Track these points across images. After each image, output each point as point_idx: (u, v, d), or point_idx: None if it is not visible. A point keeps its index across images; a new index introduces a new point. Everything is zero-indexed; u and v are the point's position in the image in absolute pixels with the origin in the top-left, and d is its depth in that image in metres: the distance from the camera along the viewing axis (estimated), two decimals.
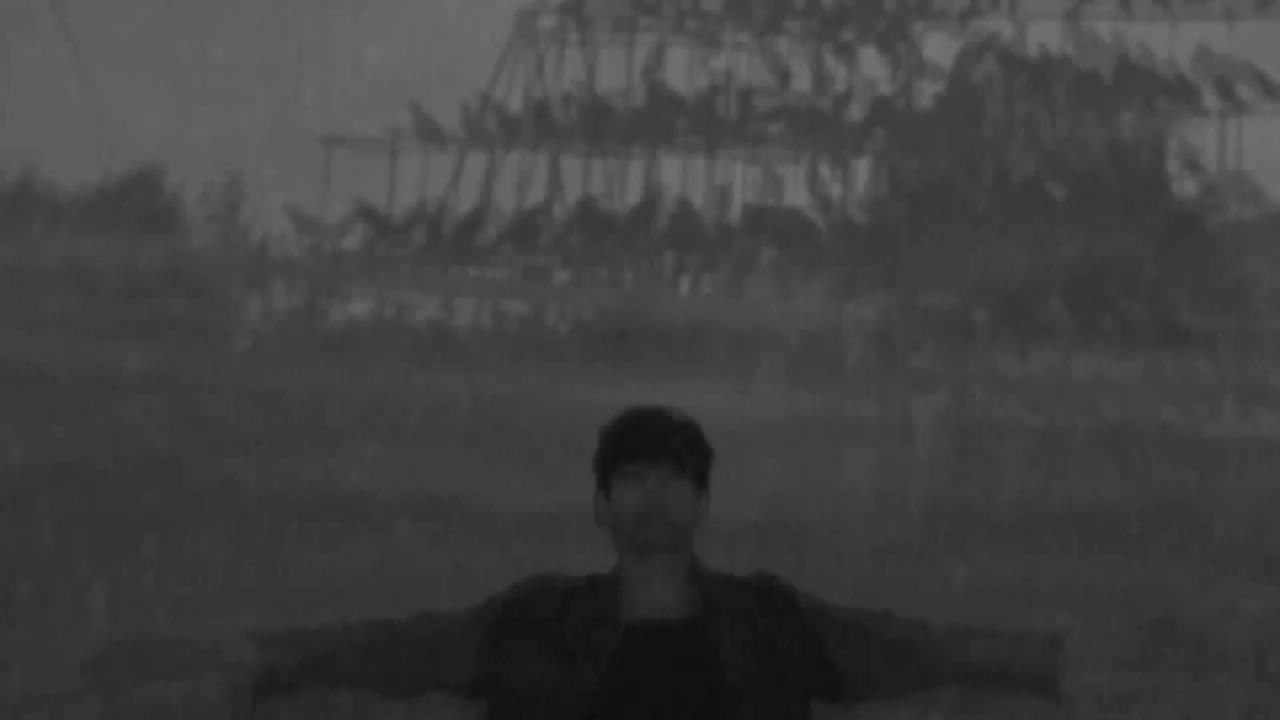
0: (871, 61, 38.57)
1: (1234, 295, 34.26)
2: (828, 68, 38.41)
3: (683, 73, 39.34)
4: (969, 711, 13.09)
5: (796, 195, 38.78)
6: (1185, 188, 36.74)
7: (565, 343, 36.11)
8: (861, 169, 38.77)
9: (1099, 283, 33.69)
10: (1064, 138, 36.76)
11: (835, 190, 38.37)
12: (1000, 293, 33.67)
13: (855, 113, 38.27)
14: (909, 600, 18.46)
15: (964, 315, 33.57)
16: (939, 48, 38.04)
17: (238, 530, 17.99)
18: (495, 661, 3.97)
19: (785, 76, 38.47)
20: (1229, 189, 36.53)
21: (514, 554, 17.91)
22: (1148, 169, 36.45)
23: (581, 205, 38.75)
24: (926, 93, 38.15)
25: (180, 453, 22.36)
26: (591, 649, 3.93)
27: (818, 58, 38.43)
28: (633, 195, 39.30)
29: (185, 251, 41.39)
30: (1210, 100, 36.75)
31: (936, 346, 33.21)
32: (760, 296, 37.58)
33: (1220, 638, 17.27)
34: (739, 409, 27.56)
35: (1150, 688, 14.67)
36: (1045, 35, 37.79)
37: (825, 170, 38.55)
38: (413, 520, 20.59)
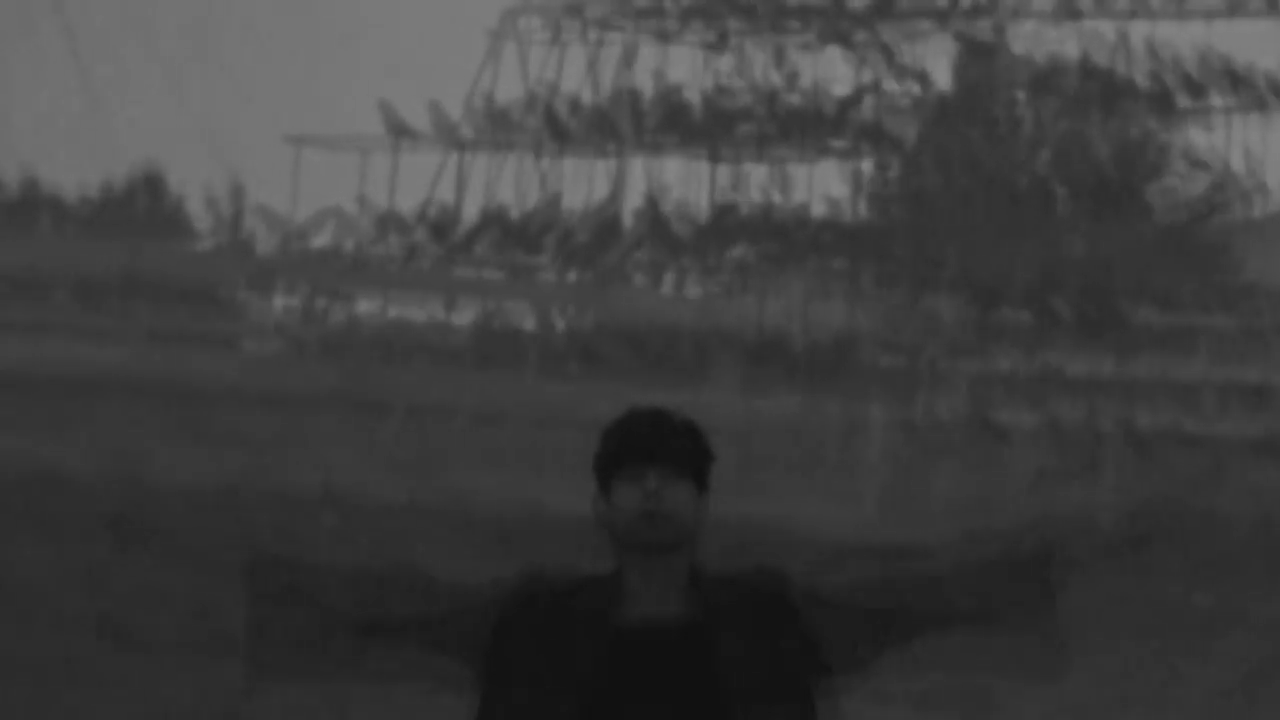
0: (836, 61, 38.42)
1: (1238, 295, 34.20)
2: (794, 65, 38.26)
3: (649, 71, 39.25)
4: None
5: (763, 193, 38.67)
6: (1190, 187, 36.67)
7: (543, 344, 36.02)
8: (827, 169, 38.69)
9: (1104, 283, 33.63)
10: (1068, 138, 36.67)
11: (800, 189, 38.28)
12: (1003, 293, 33.59)
13: (822, 111, 38.07)
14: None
15: (933, 314, 33.51)
16: (923, 49, 37.91)
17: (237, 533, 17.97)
18: (493, 659, 3.96)
19: (754, 75, 38.32)
20: (1238, 188, 36.46)
21: (515, 556, 17.92)
22: (1151, 169, 36.39)
23: (550, 205, 38.65)
24: (897, 93, 38.00)
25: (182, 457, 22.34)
26: (587, 650, 3.91)
27: (783, 56, 38.26)
28: (598, 194, 39.19)
29: (190, 254, 41.25)
30: (1223, 98, 36.64)
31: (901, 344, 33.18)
32: (731, 297, 37.47)
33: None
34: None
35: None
36: (1049, 35, 37.63)
37: (794, 170, 38.48)
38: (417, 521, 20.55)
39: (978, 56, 37.10)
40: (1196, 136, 37.11)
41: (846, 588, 4.09)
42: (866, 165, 38.88)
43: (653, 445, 3.97)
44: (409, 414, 29.11)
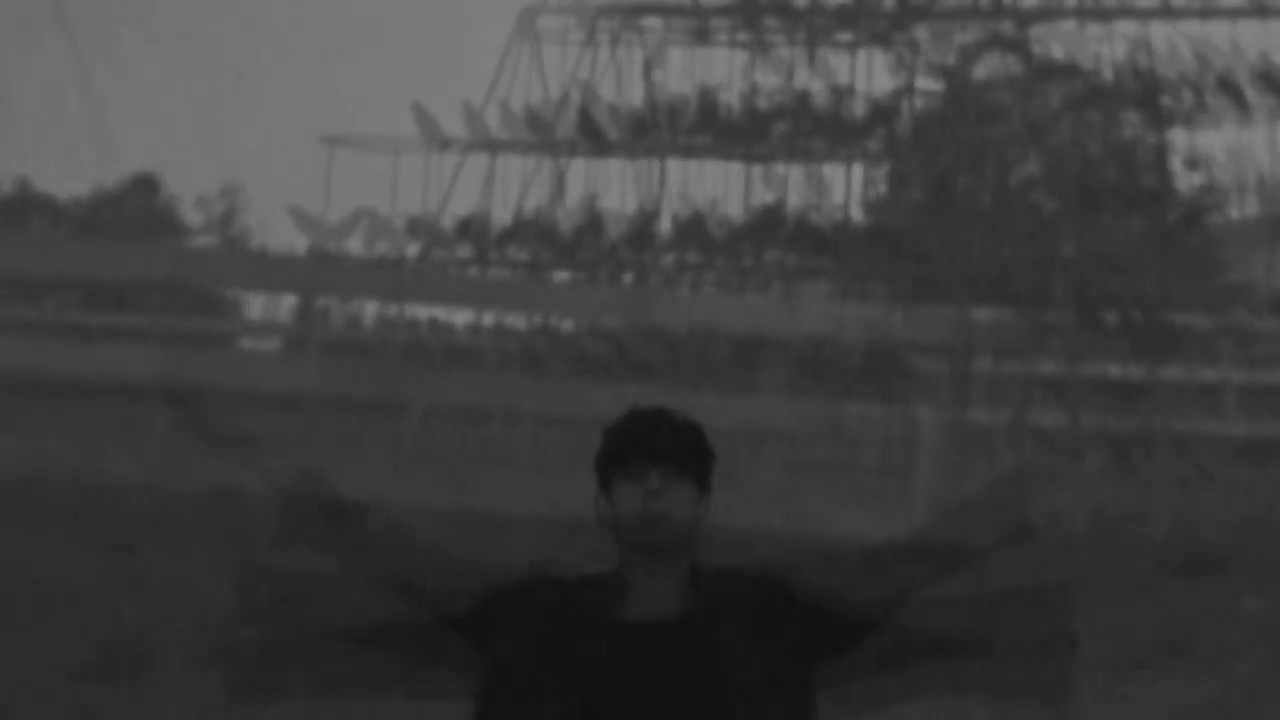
0: (872, 62, 38.31)
1: (1236, 295, 34.14)
2: (829, 67, 38.16)
3: (683, 72, 39.12)
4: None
5: (799, 196, 38.56)
6: (1187, 187, 36.52)
7: (569, 346, 35.90)
8: (861, 170, 38.58)
9: (1101, 284, 33.56)
10: (1068, 138, 36.58)
11: (838, 191, 38.14)
12: (1001, 295, 33.50)
13: (857, 112, 37.97)
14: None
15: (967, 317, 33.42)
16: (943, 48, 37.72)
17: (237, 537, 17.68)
18: (489, 645, 3.95)
19: (789, 76, 38.20)
20: (1240, 188, 36.31)
21: (516, 558, 17.55)
22: (1150, 169, 36.23)
23: (583, 207, 38.55)
24: (932, 94, 37.90)
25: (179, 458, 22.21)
26: (588, 647, 3.91)
27: (818, 57, 38.17)
28: (633, 196, 39.10)
29: (185, 254, 41.17)
30: (1262, 100, 36.39)
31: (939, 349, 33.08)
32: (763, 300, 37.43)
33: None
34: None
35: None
36: (1052, 35, 37.44)
37: (827, 171, 38.35)
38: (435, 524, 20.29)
39: (984, 53, 36.97)
40: (1239, 138, 36.99)
41: (854, 604, 4.08)
42: (898, 167, 38.87)
43: (654, 444, 3.97)
44: (428, 415, 28.97)
